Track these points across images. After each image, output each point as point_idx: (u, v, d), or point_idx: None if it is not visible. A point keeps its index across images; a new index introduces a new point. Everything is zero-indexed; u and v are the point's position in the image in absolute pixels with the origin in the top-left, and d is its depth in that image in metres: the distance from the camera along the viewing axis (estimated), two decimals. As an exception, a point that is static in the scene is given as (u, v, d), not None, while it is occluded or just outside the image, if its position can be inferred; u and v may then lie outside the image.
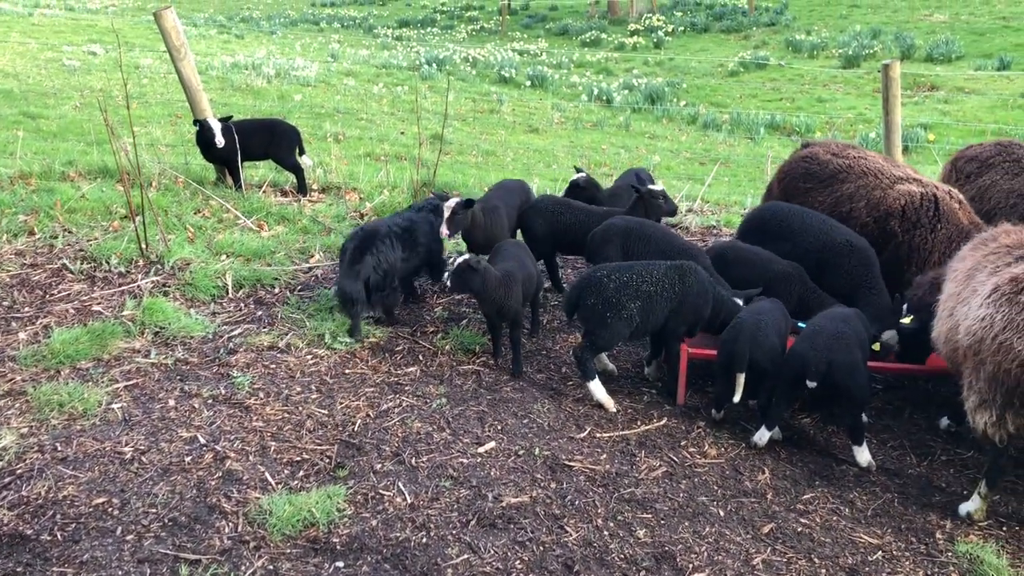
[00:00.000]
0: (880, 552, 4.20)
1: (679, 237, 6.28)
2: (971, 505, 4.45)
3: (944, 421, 5.36)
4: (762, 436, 4.96)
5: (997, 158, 6.63)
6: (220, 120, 8.31)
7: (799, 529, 4.34)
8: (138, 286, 6.44)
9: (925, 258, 5.87)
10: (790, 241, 6.05)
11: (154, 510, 4.19)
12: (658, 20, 34.38)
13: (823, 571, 4.05)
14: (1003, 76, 21.77)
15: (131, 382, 5.33)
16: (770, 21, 33.41)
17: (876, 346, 5.30)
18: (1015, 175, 6.40)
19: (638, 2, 39.01)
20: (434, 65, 23.78)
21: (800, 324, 5.47)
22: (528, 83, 23.06)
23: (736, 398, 5.05)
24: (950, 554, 4.20)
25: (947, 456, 5.10)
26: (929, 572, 4.07)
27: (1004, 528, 4.42)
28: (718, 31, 33.37)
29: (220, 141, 8.21)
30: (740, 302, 5.49)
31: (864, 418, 5.00)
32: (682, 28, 33.63)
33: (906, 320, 5.36)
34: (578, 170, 7.45)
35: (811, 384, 4.72)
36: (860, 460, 4.86)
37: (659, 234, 6.09)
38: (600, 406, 5.36)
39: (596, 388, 5.36)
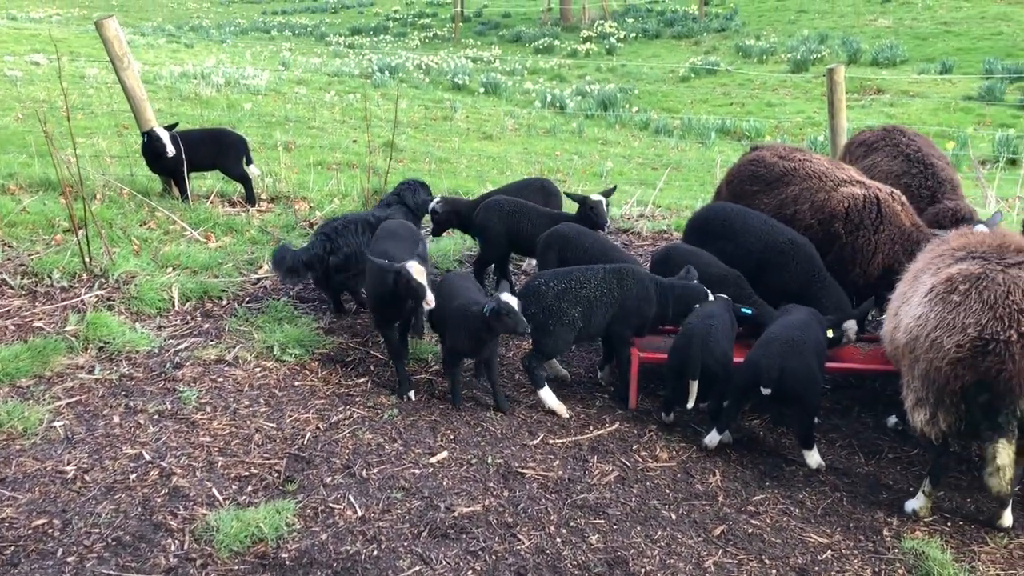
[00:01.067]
0: (829, 551, 4.25)
1: (617, 249, 6.25)
2: (916, 503, 4.52)
3: (891, 419, 5.44)
4: (712, 439, 4.99)
5: (880, 142, 7.06)
6: (166, 128, 8.18)
7: (750, 530, 4.37)
8: (81, 301, 6.30)
9: (868, 259, 5.96)
10: (732, 241, 6.12)
11: (97, 530, 4.09)
12: (610, 27, 34.60)
13: (773, 572, 4.08)
14: (946, 79, 22.26)
15: (74, 399, 5.21)
16: (720, 27, 33.80)
17: (830, 332, 5.38)
18: (893, 158, 6.82)
19: (590, 9, 39.25)
20: (387, 73, 23.66)
21: (744, 310, 5.51)
22: (481, 90, 23.06)
23: (689, 404, 5.09)
24: (897, 551, 4.25)
25: (894, 454, 5.18)
26: (877, 569, 4.12)
27: (949, 523, 4.49)
28: (669, 37, 33.68)
29: (171, 150, 8.07)
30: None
31: (816, 420, 5.06)
32: (634, 34, 33.89)
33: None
34: (436, 200, 7.29)
35: (765, 391, 4.75)
36: (810, 463, 4.92)
37: (597, 246, 6.08)
38: (553, 412, 5.35)
39: (547, 395, 5.36)
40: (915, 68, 23.93)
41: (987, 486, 4.12)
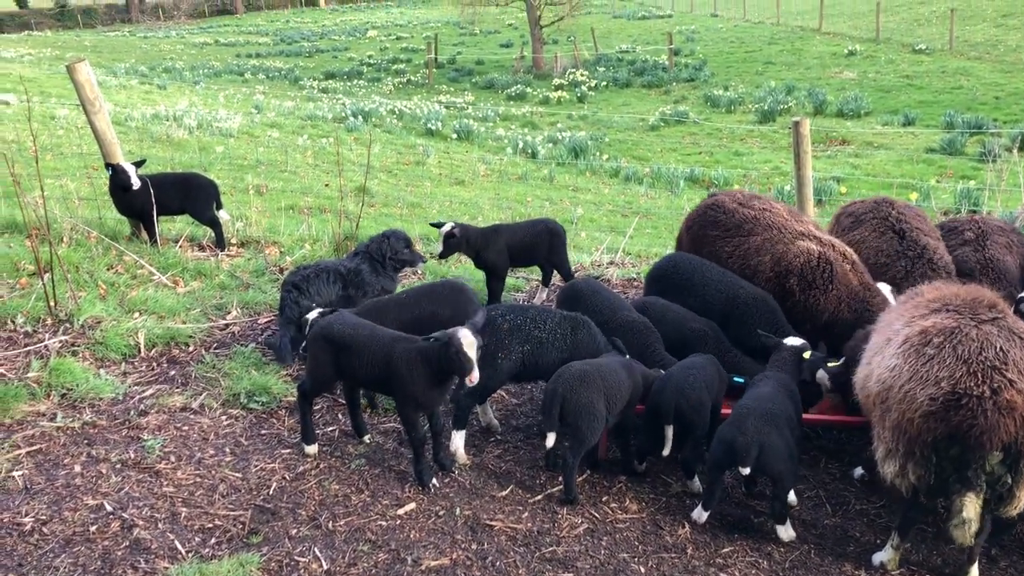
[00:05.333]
0: (798, 605, 4.23)
1: (626, 308, 6.04)
2: (884, 555, 4.53)
3: (858, 471, 5.46)
4: (700, 515, 4.85)
5: (868, 215, 6.89)
6: (133, 164, 8.13)
7: (719, 584, 4.35)
8: (45, 346, 6.20)
9: (816, 317, 6.06)
10: (694, 295, 6.14)
11: (54, 585, 3.99)
12: (581, 75, 35.13)
13: (742, 626, 4.05)
14: (908, 132, 22.77)
15: (34, 447, 5.11)
16: (689, 77, 34.45)
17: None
18: (881, 233, 6.64)
19: (562, 57, 39.85)
20: (360, 117, 23.78)
21: (736, 379, 5.48)
22: (454, 136, 23.23)
23: (665, 451, 5.07)
24: (865, 605, 4.25)
25: (861, 506, 5.18)
26: (845, 624, 4.11)
27: (916, 576, 4.50)
28: (639, 86, 34.26)
29: (135, 183, 8.00)
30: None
31: (792, 497, 5.00)
32: (604, 83, 34.41)
33: (834, 363, 5.48)
34: (437, 225, 7.57)
35: (744, 471, 4.66)
36: (783, 537, 4.76)
37: (607, 305, 6.01)
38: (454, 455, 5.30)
39: (460, 439, 5.32)
40: (879, 120, 24.49)
41: (952, 537, 4.13)
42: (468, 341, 4.64)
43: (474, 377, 4.65)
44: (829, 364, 5.48)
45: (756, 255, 6.39)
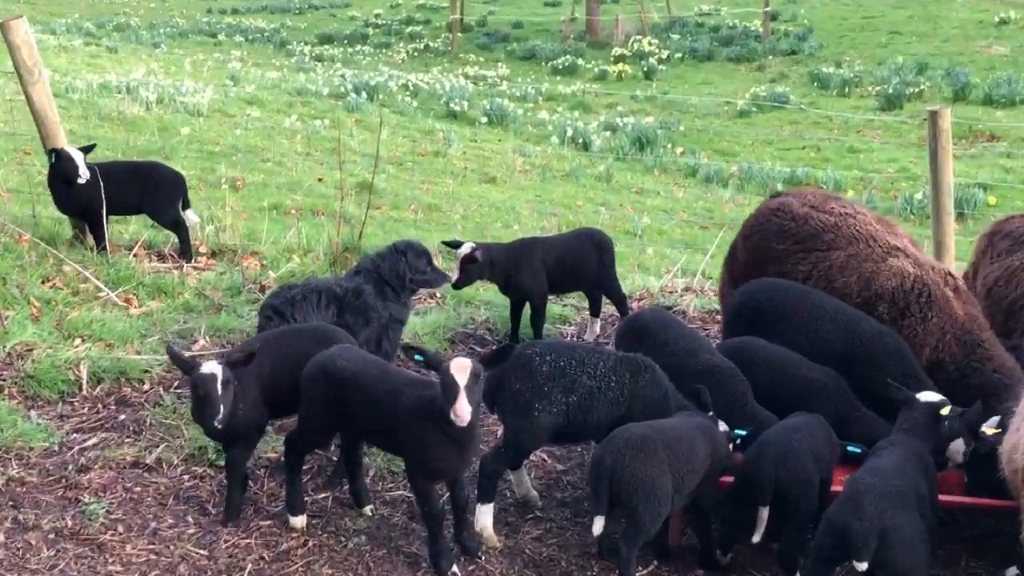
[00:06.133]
0: None
1: (707, 349, 6.00)
2: None
3: (1012, 571, 5.38)
4: None
5: None
6: (81, 150, 8.24)
7: None
8: (-39, 379, 6.33)
9: (916, 351, 6.01)
10: (802, 333, 6.02)
11: None
12: (649, 44, 35.25)
13: None
14: (1080, 125, 22.54)
15: (-55, 509, 5.20)
16: (790, 49, 34.44)
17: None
18: None
19: (625, 21, 39.97)
20: (364, 93, 24.04)
21: (851, 448, 5.41)
22: (484, 119, 23.42)
23: (756, 538, 5.04)
24: None
25: (1016, 618, 5.13)
26: None
27: None
28: (725, 59, 34.32)
29: (84, 174, 8.10)
30: None
31: None
32: (680, 55, 34.53)
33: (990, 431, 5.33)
34: (453, 244, 7.62)
35: (861, 567, 4.56)
36: None
37: (682, 344, 5.94)
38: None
39: (487, 512, 5.31)
40: (1039, 110, 24.29)
41: None
42: (459, 363, 4.58)
43: (460, 409, 4.50)
44: (984, 431, 5.34)
45: (840, 275, 6.32)
